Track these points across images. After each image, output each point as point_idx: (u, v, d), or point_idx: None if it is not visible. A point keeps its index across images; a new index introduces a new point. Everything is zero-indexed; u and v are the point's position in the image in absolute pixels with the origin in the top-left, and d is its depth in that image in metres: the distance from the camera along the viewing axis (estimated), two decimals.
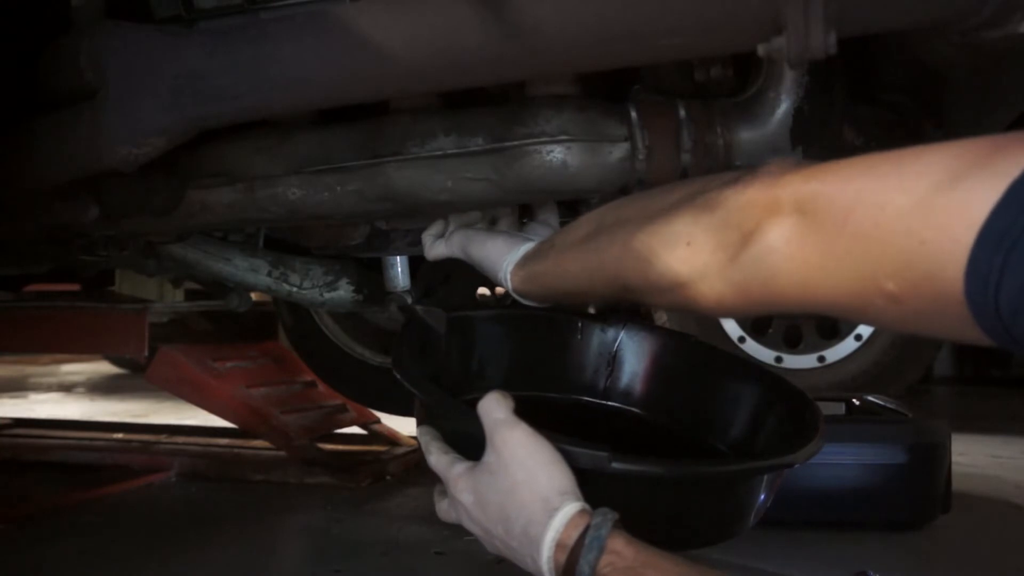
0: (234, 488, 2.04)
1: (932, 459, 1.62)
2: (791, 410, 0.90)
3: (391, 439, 2.37)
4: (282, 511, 1.86)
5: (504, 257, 0.97)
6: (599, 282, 0.84)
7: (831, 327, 2.68)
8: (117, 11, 1.08)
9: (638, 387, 1.02)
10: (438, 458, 0.80)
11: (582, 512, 0.70)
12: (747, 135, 1.02)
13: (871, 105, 1.08)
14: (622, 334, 1.02)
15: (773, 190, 0.64)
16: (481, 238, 1.03)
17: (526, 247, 0.96)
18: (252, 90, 1.00)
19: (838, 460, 1.58)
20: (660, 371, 1.02)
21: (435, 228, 1.14)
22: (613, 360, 1.02)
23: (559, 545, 0.69)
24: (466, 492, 0.76)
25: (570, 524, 0.70)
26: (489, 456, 0.75)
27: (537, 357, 1.02)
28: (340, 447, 2.34)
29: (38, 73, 1.15)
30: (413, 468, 2.18)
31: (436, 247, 1.11)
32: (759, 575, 1.37)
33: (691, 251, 0.70)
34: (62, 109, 1.11)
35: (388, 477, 2.12)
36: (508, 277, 0.96)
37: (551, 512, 0.70)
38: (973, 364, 4.52)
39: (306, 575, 1.51)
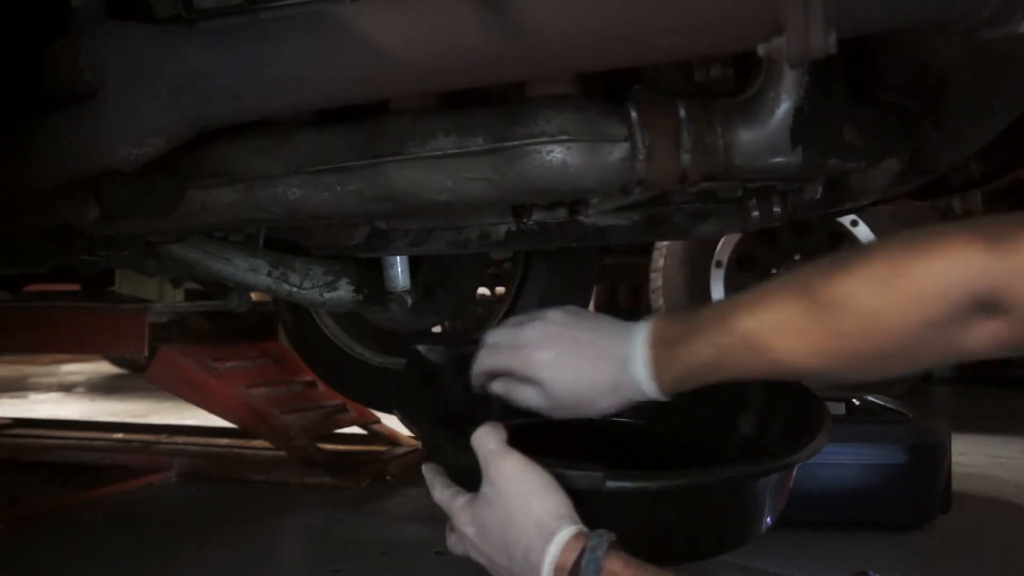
0: (234, 488, 2.04)
1: (932, 459, 1.62)
2: (797, 409, 0.89)
3: (391, 439, 2.37)
4: (282, 511, 1.86)
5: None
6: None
7: None
8: (117, 11, 1.08)
9: None
10: (441, 492, 0.81)
11: (578, 535, 0.71)
12: (747, 135, 1.02)
13: (871, 105, 1.07)
14: None
15: None
16: None
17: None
18: (252, 90, 1.00)
19: (838, 460, 1.58)
20: None
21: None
22: None
23: (558, 568, 0.70)
24: (468, 524, 0.77)
25: (567, 548, 0.70)
26: (486, 487, 0.76)
27: None
28: (340, 447, 2.34)
29: (38, 73, 1.15)
30: (413, 468, 2.18)
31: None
32: (760, 575, 1.37)
33: None
34: (62, 109, 1.11)
35: (388, 477, 2.12)
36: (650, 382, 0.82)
37: (547, 537, 0.71)
38: (973, 364, 4.51)
39: (306, 575, 1.51)
